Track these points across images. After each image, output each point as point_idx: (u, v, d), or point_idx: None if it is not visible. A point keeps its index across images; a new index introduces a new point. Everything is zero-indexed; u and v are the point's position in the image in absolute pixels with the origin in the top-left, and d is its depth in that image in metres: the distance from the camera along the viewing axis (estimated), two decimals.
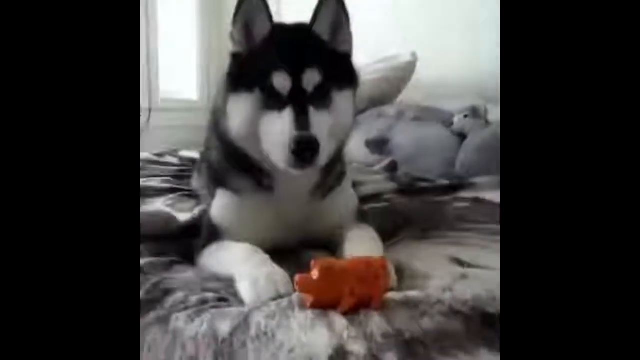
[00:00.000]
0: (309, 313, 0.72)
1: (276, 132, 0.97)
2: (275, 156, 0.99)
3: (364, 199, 1.64)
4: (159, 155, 2.43)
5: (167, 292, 0.85)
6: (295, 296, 0.77)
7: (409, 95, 2.85)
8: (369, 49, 2.45)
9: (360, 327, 0.68)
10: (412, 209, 1.48)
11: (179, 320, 0.75)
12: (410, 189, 1.82)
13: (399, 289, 0.87)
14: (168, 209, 1.41)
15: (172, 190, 1.70)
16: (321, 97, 1.01)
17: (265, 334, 0.69)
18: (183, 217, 1.31)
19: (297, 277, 0.76)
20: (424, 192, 1.80)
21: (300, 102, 0.98)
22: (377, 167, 2.15)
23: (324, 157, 0.97)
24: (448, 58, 2.80)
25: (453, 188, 1.82)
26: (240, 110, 1.04)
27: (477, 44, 2.62)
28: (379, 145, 2.44)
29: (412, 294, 0.77)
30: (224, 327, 0.71)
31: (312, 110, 0.98)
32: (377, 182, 1.88)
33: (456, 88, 2.69)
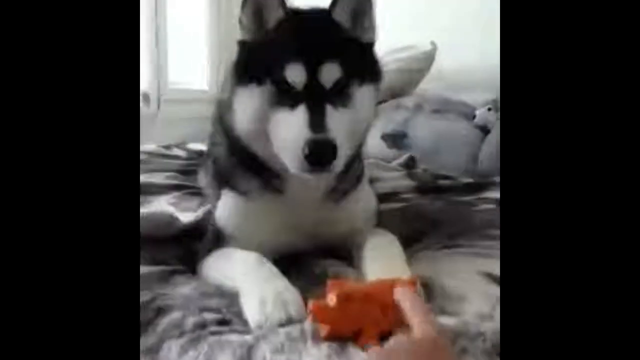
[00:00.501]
0: (324, 348, 0.61)
1: (288, 132, 0.86)
2: (286, 158, 0.88)
3: (380, 198, 1.53)
4: (166, 147, 2.33)
5: (161, 311, 0.74)
6: (307, 324, 0.66)
7: (428, 87, 2.71)
8: (386, 38, 2.32)
9: None
10: (434, 212, 1.36)
11: (171, 350, 0.64)
12: (430, 187, 1.71)
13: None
14: (171, 209, 1.31)
15: (177, 187, 1.60)
16: (340, 94, 0.90)
17: None
18: (186, 217, 1.21)
19: (310, 304, 0.65)
20: (445, 191, 1.69)
21: (317, 99, 0.86)
22: (394, 163, 2.04)
23: (341, 161, 0.85)
24: (469, 47, 2.66)
25: (476, 187, 1.72)
26: (248, 105, 0.93)
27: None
28: (396, 139, 2.32)
29: (448, 322, 0.66)
30: None
31: (329, 108, 0.86)
32: (394, 180, 1.78)
33: (479, 79, 2.55)
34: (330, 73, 0.89)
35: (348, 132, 0.90)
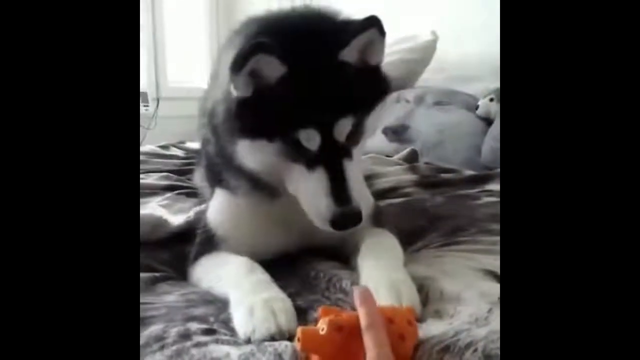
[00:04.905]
0: None
1: (310, 195, 0.84)
2: (312, 217, 0.86)
3: (381, 193, 1.49)
4: (164, 147, 2.30)
5: (142, 323, 0.70)
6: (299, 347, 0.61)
7: (429, 78, 2.66)
8: (385, 28, 2.27)
9: None
10: (435, 207, 1.31)
11: None
12: (431, 181, 1.66)
13: (424, 313, 0.72)
14: (162, 210, 1.27)
15: (171, 188, 1.56)
16: (354, 138, 0.87)
17: None
18: (178, 220, 1.17)
19: (299, 331, 0.59)
20: (447, 184, 1.64)
21: (333, 157, 0.83)
22: (395, 157, 1.99)
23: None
24: (471, 36, 2.60)
25: (479, 179, 1.67)
26: (257, 157, 0.87)
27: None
28: (397, 132, 2.27)
29: (434, 332, 0.61)
30: None
31: (346, 164, 0.84)
32: (395, 174, 1.73)
33: (480, 69, 2.49)
34: (344, 128, 0.85)
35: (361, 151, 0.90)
